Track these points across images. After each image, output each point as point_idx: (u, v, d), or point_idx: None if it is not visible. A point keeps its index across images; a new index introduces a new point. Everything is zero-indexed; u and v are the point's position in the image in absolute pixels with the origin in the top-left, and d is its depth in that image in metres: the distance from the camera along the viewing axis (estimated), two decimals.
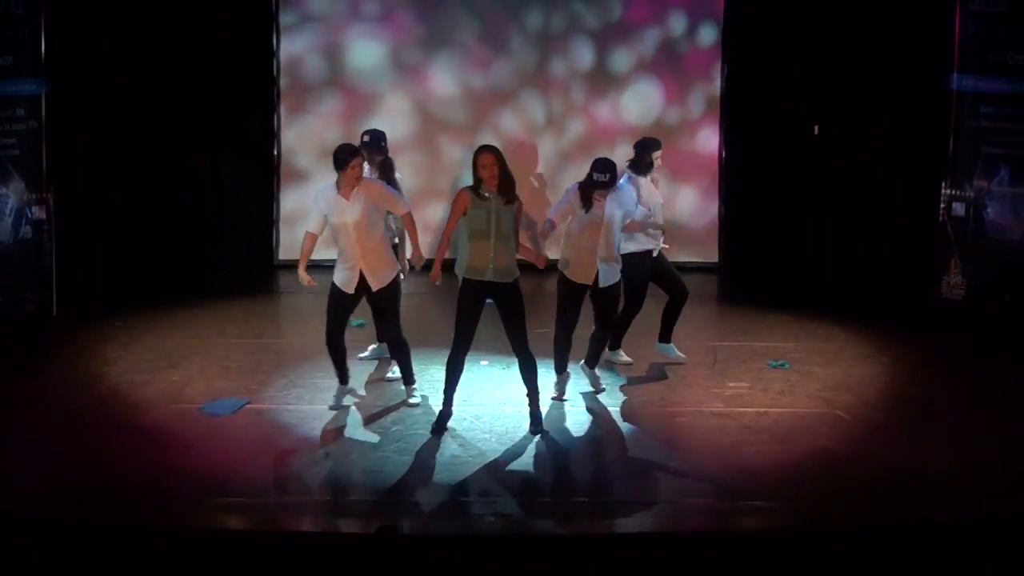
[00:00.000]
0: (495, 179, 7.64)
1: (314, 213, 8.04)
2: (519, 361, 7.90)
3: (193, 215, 12.21)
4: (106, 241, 11.48)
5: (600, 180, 8.14)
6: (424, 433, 7.83)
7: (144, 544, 5.45)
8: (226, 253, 12.33)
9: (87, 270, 11.14)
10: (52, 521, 6.32)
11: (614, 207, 8.28)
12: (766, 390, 8.75)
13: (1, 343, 9.52)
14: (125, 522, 6.36)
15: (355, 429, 7.99)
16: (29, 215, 10.15)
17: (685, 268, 12.17)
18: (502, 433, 7.85)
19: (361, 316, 8.91)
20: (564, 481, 7.36)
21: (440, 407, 7.90)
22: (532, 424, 7.86)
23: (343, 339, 8.19)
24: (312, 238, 8.07)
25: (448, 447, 7.69)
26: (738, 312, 11.22)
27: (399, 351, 8.31)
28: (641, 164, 8.93)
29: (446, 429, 7.83)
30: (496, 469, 7.38)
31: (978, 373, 9.23)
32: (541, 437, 7.77)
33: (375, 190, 8.03)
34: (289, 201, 12.49)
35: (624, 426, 8.07)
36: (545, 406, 8.13)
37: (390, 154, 8.96)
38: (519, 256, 7.88)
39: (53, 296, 10.32)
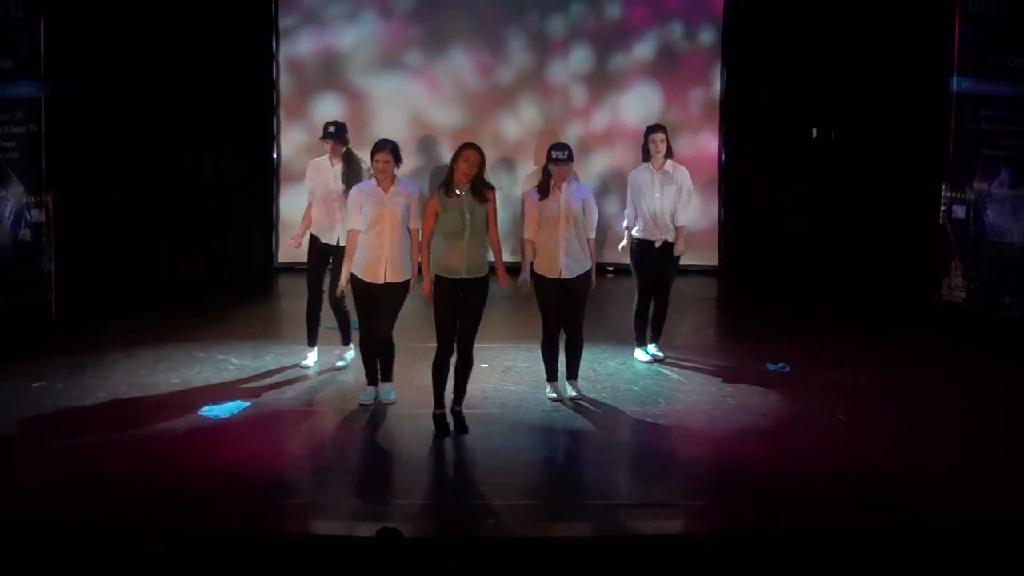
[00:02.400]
0: (468, 177, 7.71)
1: (353, 211, 8.19)
2: (458, 358, 7.90)
3: (192, 218, 12.21)
4: (105, 244, 11.47)
5: (559, 157, 8.27)
6: (424, 435, 7.82)
7: (144, 546, 5.44)
8: (225, 256, 12.33)
9: (86, 273, 11.12)
10: (51, 524, 6.31)
11: (572, 198, 8.34)
12: (766, 392, 8.75)
13: (0, 345, 9.52)
14: (125, 525, 6.35)
15: (355, 431, 7.99)
16: (28, 218, 10.16)
17: (685, 271, 12.18)
18: (502, 435, 7.84)
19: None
20: (564, 482, 7.35)
21: (434, 410, 7.90)
22: (456, 424, 7.89)
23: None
24: (356, 234, 8.19)
25: (448, 449, 7.69)
26: (738, 314, 11.22)
27: (386, 351, 8.33)
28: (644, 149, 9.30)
29: (448, 430, 7.83)
30: (496, 470, 7.38)
31: (978, 375, 9.22)
32: (541, 439, 7.77)
33: (413, 195, 8.22)
34: (288, 204, 12.50)
35: (623, 428, 8.06)
36: (547, 408, 8.12)
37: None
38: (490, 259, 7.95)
39: (52, 299, 10.32)
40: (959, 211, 10.71)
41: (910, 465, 7.43)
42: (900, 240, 11.51)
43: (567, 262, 8.33)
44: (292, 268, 12.54)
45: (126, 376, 8.90)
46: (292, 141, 12.52)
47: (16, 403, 8.28)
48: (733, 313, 11.32)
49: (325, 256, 9.03)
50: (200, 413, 8.14)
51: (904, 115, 11.42)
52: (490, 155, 12.49)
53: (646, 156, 9.27)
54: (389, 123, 12.36)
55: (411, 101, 12.44)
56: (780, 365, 9.31)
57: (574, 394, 8.48)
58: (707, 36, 12.50)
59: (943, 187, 10.78)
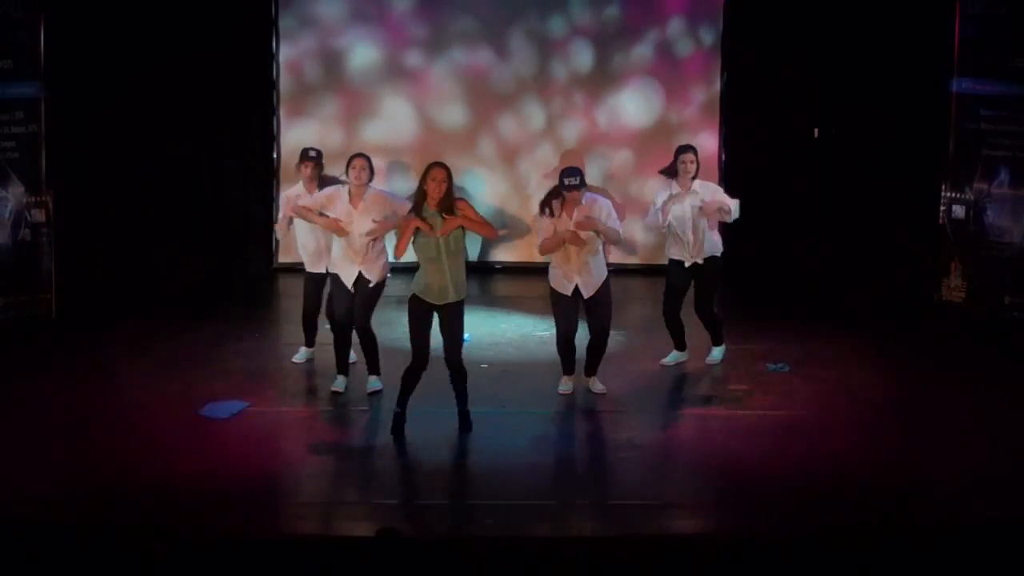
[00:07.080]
0: (439, 195, 7.60)
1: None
2: (450, 372, 7.87)
3: (192, 218, 12.19)
4: (105, 244, 11.47)
5: (571, 183, 8.21)
6: (423, 435, 7.82)
7: (144, 547, 5.45)
8: (225, 256, 12.32)
9: (86, 273, 11.12)
10: (51, 524, 6.31)
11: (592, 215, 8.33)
12: (766, 392, 8.75)
13: (0, 346, 9.52)
14: (125, 525, 6.35)
15: (354, 432, 7.99)
16: (28, 218, 10.17)
17: None
18: (501, 434, 7.84)
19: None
20: (564, 482, 7.35)
21: (395, 409, 7.86)
22: (461, 423, 7.91)
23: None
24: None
25: (448, 449, 7.69)
26: (737, 314, 11.21)
27: (368, 343, 8.48)
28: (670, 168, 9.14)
29: (403, 431, 7.80)
30: (495, 470, 7.39)
31: (978, 375, 9.22)
32: (541, 439, 7.77)
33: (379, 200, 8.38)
34: None
35: (624, 428, 8.06)
36: (547, 408, 8.12)
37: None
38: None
39: (52, 299, 10.32)
40: (959, 211, 10.71)
41: (910, 465, 7.44)
42: (900, 240, 11.50)
43: (584, 279, 8.37)
44: (292, 268, 12.53)
45: (126, 376, 8.90)
46: (292, 141, 12.49)
47: (15, 404, 8.28)
48: (732, 313, 11.30)
49: (321, 286, 9.00)
50: (200, 413, 8.14)
51: (904, 115, 11.42)
52: (490, 155, 12.60)
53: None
54: (389, 123, 12.36)
55: (411, 101, 12.42)
56: (780, 365, 9.31)
57: (599, 389, 8.56)
58: (707, 36, 12.48)
59: (943, 187, 10.79)
